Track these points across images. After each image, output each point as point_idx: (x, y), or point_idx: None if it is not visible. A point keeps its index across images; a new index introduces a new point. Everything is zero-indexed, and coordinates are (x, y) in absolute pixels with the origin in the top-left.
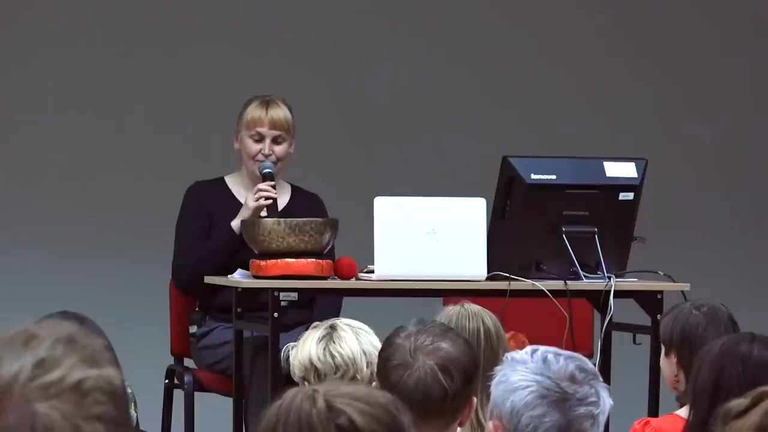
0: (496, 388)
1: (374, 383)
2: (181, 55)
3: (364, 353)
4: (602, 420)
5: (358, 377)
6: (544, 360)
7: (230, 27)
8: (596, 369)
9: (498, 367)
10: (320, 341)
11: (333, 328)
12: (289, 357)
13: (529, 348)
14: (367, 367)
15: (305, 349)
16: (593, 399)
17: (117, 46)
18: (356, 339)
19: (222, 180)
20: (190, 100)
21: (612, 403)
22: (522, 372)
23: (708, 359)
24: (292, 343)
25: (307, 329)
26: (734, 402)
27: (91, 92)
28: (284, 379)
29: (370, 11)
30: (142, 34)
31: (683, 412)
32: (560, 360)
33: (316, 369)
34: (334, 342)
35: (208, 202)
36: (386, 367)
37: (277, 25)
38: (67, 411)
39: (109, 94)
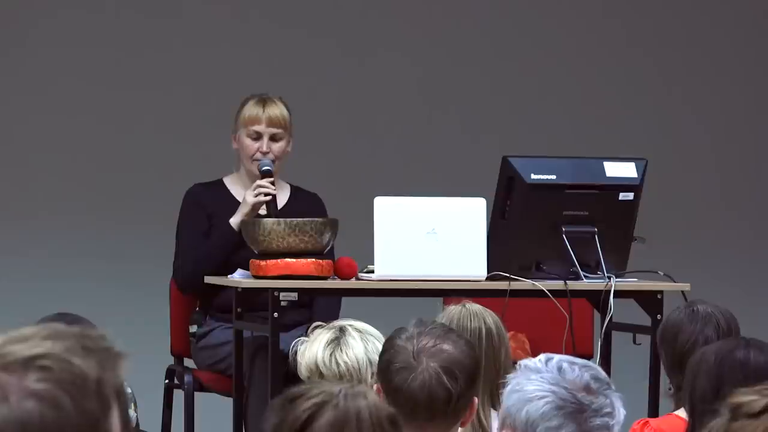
0: (509, 396)
1: (375, 385)
2: (181, 57)
3: (370, 363)
4: (617, 431)
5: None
6: (560, 369)
7: (229, 28)
8: (609, 378)
9: (510, 375)
10: (328, 346)
11: (342, 331)
12: (297, 353)
13: (543, 356)
14: (371, 377)
15: (312, 350)
16: (608, 410)
17: (116, 47)
18: (363, 347)
19: (220, 181)
20: (190, 101)
21: (626, 412)
22: (537, 382)
23: (704, 368)
24: (303, 338)
25: (307, 329)
26: (746, 398)
27: (90, 93)
28: (290, 376)
29: (371, 11)
30: (141, 36)
31: (682, 412)
32: (575, 369)
33: (321, 374)
34: (341, 349)
35: (207, 204)
36: (389, 370)
37: (276, 25)
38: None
39: (109, 94)
